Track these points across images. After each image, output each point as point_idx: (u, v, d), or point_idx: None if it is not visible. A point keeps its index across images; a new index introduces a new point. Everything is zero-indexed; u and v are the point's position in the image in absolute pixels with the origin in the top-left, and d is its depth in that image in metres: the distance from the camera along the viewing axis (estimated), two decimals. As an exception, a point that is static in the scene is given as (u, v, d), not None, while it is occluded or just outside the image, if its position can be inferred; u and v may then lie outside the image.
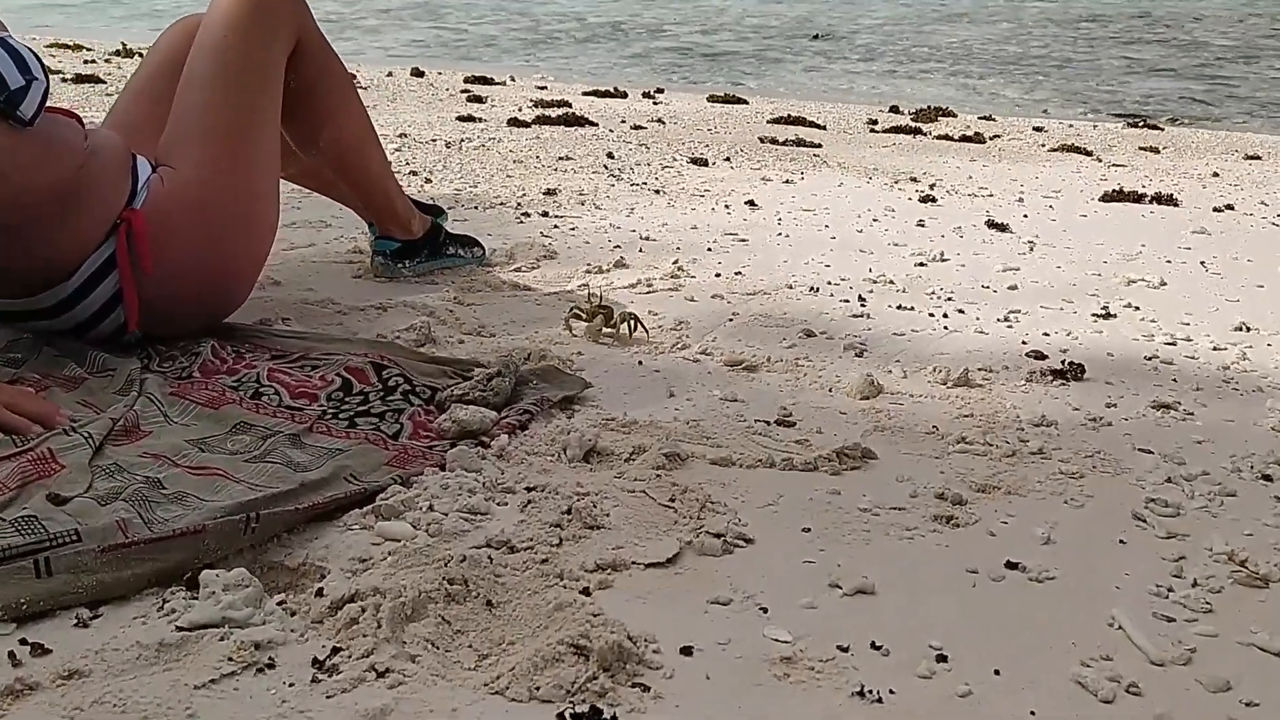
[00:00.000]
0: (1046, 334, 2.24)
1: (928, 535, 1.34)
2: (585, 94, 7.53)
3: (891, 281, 2.61)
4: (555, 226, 3.05)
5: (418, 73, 8.37)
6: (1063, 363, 1.99)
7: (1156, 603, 1.21)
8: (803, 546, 1.30)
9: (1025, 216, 3.59)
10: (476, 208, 3.27)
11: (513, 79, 8.61)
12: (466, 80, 7.94)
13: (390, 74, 8.26)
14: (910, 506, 1.41)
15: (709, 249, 2.88)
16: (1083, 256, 3.02)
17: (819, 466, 1.51)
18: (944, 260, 2.87)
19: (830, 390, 1.85)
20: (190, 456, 1.43)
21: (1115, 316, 2.40)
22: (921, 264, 2.82)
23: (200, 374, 1.72)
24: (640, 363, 1.94)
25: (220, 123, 1.87)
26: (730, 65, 11.26)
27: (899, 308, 2.38)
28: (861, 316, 2.30)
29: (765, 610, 1.15)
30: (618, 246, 2.84)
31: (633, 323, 2.06)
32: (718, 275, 2.59)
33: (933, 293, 2.53)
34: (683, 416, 1.69)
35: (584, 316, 2.08)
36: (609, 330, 2.06)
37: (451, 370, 1.79)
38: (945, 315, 2.34)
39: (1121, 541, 1.35)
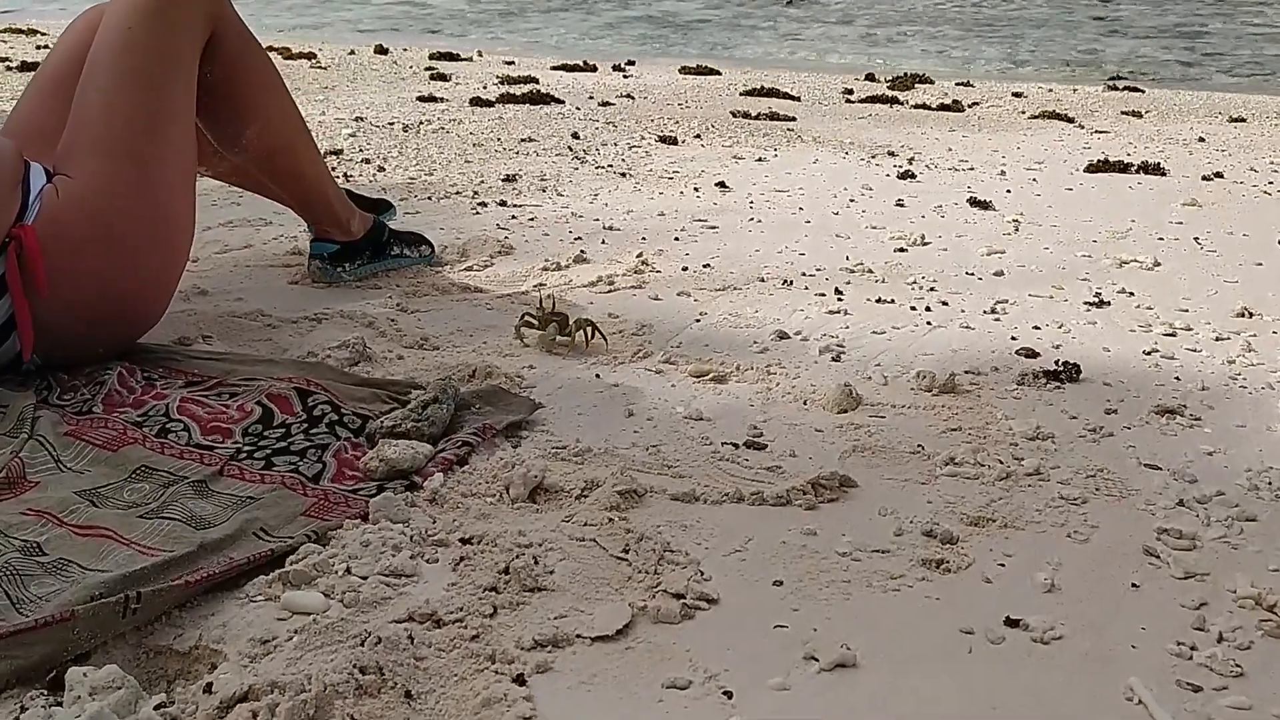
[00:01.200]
0: (1037, 327, 2.08)
1: (915, 585, 1.18)
2: (554, 69, 7.32)
3: (870, 270, 2.44)
4: (513, 217, 2.87)
5: (381, 50, 8.12)
6: (1057, 362, 1.83)
7: (1179, 665, 1.05)
8: (774, 605, 1.13)
9: (1009, 192, 3.43)
10: (430, 198, 3.09)
11: (480, 54, 8.38)
12: (431, 57, 7.71)
13: (353, 52, 8.02)
14: (895, 548, 1.25)
15: (676, 238, 2.71)
16: (1071, 235, 2.86)
17: (792, 500, 1.35)
18: (925, 244, 2.71)
19: (805, 403, 1.68)
20: (78, 513, 1.26)
21: (1109, 304, 2.24)
22: (902, 249, 2.66)
23: (103, 407, 1.55)
24: (597, 376, 1.77)
25: (123, 123, 1.69)
26: (703, 34, 11.04)
27: (878, 301, 2.22)
28: (838, 313, 2.13)
29: (729, 695, 0.99)
30: (579, 238, 2.67)
31: (589, 330, 1.89)
32: (685, 269, 2.42)
33: (914, 282, 2.37)
34: (643, 441, 1.53)
35: (537, 324, 1.91)
36: (563, 339, 1.89)
37: (386, 394, 1.62)
38: (928, 308, 2.18)
39: (1134, 585, 1.19)
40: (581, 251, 2.50)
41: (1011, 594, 1.16)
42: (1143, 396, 1.74)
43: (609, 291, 2.25)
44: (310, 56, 7.25)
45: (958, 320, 2.11)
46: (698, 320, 2.07)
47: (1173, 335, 2.05)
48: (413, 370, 1.75)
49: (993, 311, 2.17)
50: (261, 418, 1.52)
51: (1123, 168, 3.90)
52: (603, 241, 2.64)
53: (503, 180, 3.35)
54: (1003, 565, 1.22)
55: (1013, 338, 2.01)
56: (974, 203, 3.18)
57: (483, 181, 3.33)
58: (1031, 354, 1.91)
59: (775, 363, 1.85)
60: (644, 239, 2.68)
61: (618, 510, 1.31)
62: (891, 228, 2.87)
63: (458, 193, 3.16)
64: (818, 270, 2.44)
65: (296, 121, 2.08)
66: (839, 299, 2.23)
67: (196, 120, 1.89)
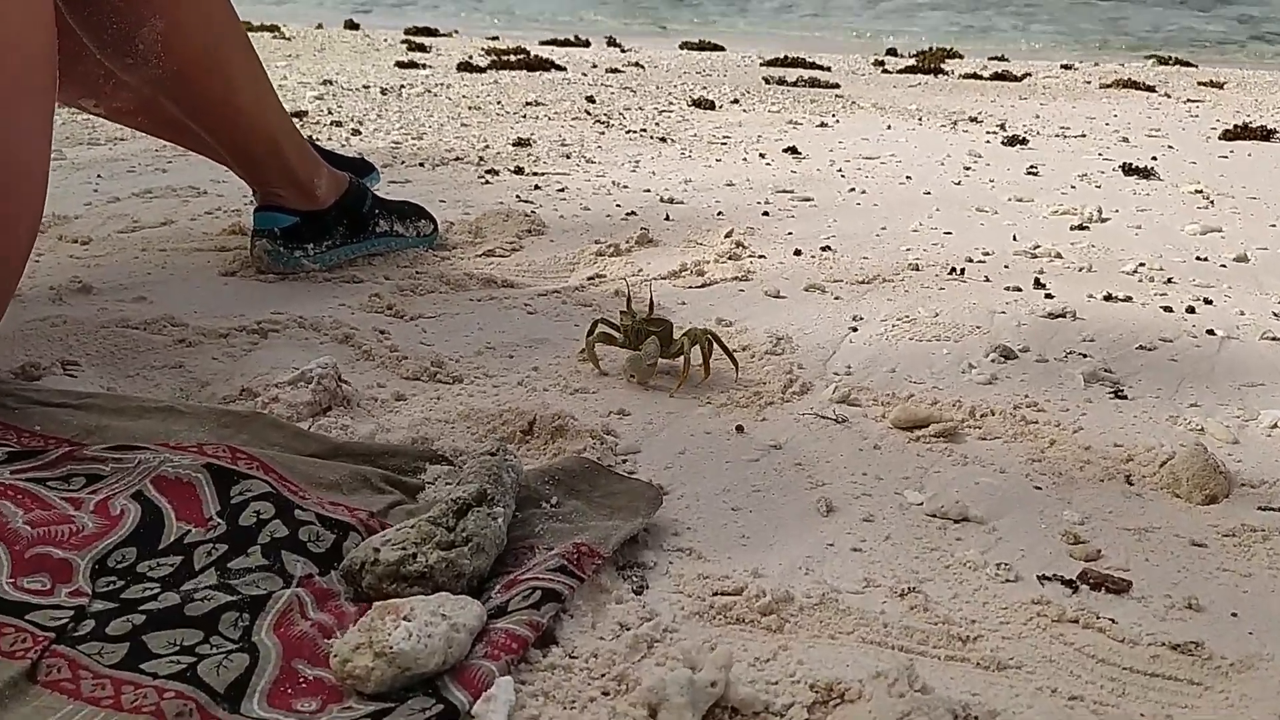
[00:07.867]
0: (1376, 338, 1.36)
1: None
2: (543, 43, 6.56)
3: (1058, 255, 1.72)
4: (537, 187, 2.13)
5: (352, 25, 7.37)
6: None
7: None
8: None
9: (1154, 159, 2.71)
10: (423, 164, 2.34)
11: (458, 32, 7.61)
12: (407, 31, 6.95)
13: (320, 26, 7.25)
14: None
15: (765, 213, 1.97)
16: (1288, 210, 2.15)
17: (1292, 740, 0.61)
18: (1104, 220, 1.99)
19: (1129, 481, 0.95)
20: None
21: None
22: (1080, 226, 1.93)
23: None
24: (739, 430, 1.03)
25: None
26: (695, 8, 10.33)
27: (1107, 298, 1.49)
28: (1063, 316, 1.40)
29: None
30: (631, 213, 1.92)
31: (708, 345, 1.15)
32: (797, 253, 1.69)
33: (1133, 270, 1.64)
34: (876, 570, 0.79)
35: (620, 337, 1.17)
36: (668, 359, 1.15)
37: (380, 474, 0.87)
38: (1190, 310, 1.45)
39: None
40: (644, 230, 1.75)
41: None
42: None
43: (701, 286, 1.51)
44: (273, 29, 6.47)
45: (1248, 327, 1.39)
46: (854, 329, 1.34)
47: None
48: (423, 423, 1.00)
49: (1288, 314, 1.45)
50: (135, 533, 0.77)
51: (1264, 134, 3.20)
52: (666, 218, 1.90)
53: (514, 145, 2.60)
54: None
55: (1359, 355, 1.29)
56: (1130, 170, 2.46)
57: (488, 146, 2.58)
58: None
59: (1027, 402, 1.11)
60: (720, 214, 1.95)
61: (927, 781, 0.57)
62: (1042, 200, 2.15)
63: (457, 159, 2.41)
64: (986, 255, 1.71)
65: (228, 20, 1.32)
66: (1047, 296, 1.49)
67: (63, 12, 1.15)
